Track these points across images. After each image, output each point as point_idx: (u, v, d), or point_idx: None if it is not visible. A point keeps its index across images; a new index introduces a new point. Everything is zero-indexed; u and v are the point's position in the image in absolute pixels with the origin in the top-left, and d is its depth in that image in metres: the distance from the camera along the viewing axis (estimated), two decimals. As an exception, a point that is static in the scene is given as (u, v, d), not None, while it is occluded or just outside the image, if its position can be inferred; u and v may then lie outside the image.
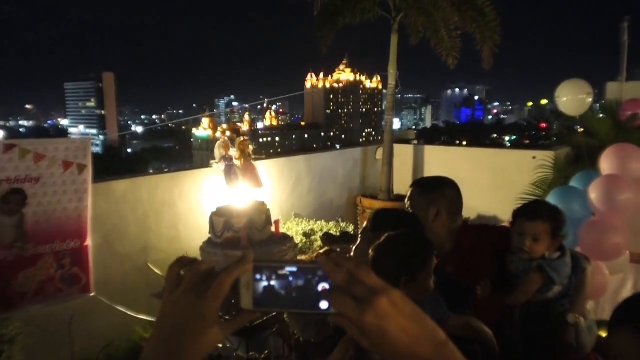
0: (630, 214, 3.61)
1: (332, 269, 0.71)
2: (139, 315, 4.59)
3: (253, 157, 2.65)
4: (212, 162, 2.65)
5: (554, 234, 2.11)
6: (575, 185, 4.20)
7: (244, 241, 2.45)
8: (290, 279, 0.74)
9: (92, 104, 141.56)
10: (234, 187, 2.60)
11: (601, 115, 7.10)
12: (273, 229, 2.58)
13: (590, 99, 5.69)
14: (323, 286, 0.73)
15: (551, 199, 4.06)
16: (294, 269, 0.74)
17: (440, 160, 7.80)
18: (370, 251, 1.63)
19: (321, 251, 4.90)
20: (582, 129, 6.74)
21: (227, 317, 0.78)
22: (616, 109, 6.74)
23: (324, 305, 0.72)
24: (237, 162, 2.61)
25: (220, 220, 2.50)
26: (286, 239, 2.62)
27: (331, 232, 4.84)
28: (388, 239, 1.62)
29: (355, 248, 1.97)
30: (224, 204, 2.64)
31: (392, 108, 7.85)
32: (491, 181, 7.05)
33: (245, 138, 2.66)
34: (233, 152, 2.61)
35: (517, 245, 2.14)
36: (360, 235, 1.98)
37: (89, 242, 4.18)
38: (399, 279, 1.52)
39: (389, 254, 1.57)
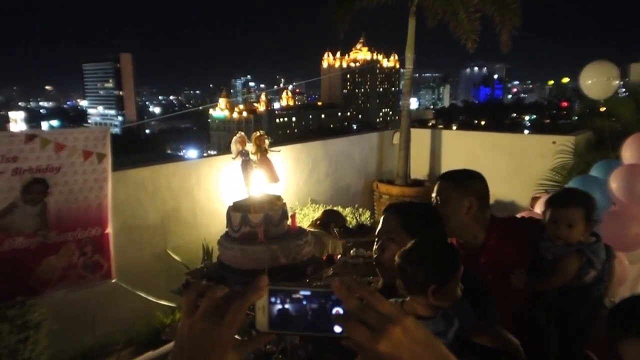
0: (652, 205, 3.54)
1: (345, 295, 0.72)
2: (159, 300, 4.69)
3: (269, 150, 2.67)
4: (230, 157, 2.69)
5: (587, 218, 2.13)
6: (596, 174, 4.12)
7: (260, 236, 2.47)
8: (304, 302, 0.75)
9: (110, 84, 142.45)
10: (251, 182, 2.62)
11: (625, 94, 6.91)
12: (289, 222, 2.62)
13: (617, 82, 5.50)
14: (337, 310, 0.74)
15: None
16: (308, 292, 0.75)
17: (458, 145, 7.73)
18: (396, 257, 1.62)
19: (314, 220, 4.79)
20: (604, 110, 6.58)
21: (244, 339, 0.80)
22: (639, 91, 6.58)
23: (338, 328, 0.73)
24: (253, 157, 2.62)
25: (237, 215, 2.52)
26: (302, 233, 2.64)
27: (347, 225, 4.85)
28: (416, 246, 1.60)
29: (383, 248, 1.90)
30: (241, 198, 2.67)
31: (409, 92, 7.77)
32: (510, 166, 6.97)
33: (262, 133, 2.66)
34: (249, 146, 2.62)
35: (552, 233, 2.15)
36: (389, 237, 1.88)
37: (109, 229, 4.26)
38: (427, 287, 1.51)
39: (417, 262, 1.55)
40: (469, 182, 2.30)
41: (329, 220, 3.75)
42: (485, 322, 1.62)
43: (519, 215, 2.58)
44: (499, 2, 6.87)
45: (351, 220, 5.98)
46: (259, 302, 0.76)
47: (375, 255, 1.95)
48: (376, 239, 1.97)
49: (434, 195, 2.30)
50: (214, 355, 0.75)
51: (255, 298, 0.75)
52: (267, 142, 2.63)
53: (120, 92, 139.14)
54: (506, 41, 7.26)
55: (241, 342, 0.78)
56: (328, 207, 6.32)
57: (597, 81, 5.35)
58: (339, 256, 3.05)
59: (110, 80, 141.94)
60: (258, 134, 2.67)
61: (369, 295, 0.71)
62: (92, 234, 4.17)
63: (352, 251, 3.25)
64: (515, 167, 6.94)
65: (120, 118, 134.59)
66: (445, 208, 2.22)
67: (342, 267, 3.03)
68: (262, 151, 2.64)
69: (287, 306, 0.76)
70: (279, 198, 2.64)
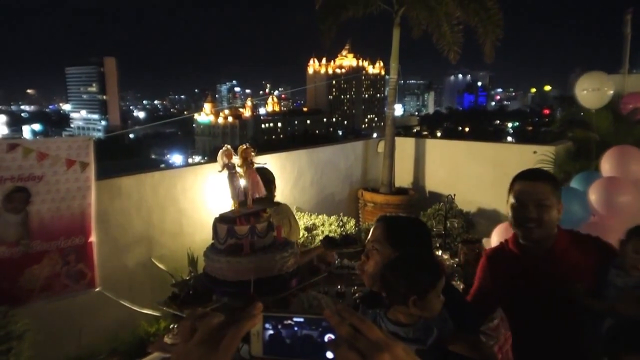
0: (629, 216, 3.63)
1: (337, 322, 0.75)
2: (143, 309, 4.67)
3: (255, 163, 2.71)
4: (217, 171, 2.71)
5: None
6: (576, 186, 4.22)
7: (246, 248, 2.50)
8: (298, 328, 0.78)
9: (93, 89, 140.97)
10: (237, 194, 2.65)
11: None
12: (275, 234, 2.65)
13: (611, 92, 5.63)
14: (329, 337, 0.77)
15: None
16: (301, 319, 0.78)
17: (442, 154, 7.82)
18: (381, 269, 1.68)
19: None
20: (584, 120, 6.71)
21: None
22: (617, 102, 6.72)
23: (330, 354, 0.76)
24: (239, 170, 2.65)
25: (223, 227, 2.55)
26: (287, 245, 2.67)
27: (332, 234, 4.89)
28: (399, 259, 1.68)
29: (368, 256, 1.95)
30: (226, 210, 2.71)
31: (394, 101, 7.86)
32: (492, 175, 7.07)
33: (248, 146, 2.70)
34: (236, 159, 2.65)
35: (632, 264, 2.12)
36: (373, 246, 1.94)
37: (93, 238, 4.25)
38: (408, 297, 1.56)
39: (399, 274, 1.61)
40: (560, 186, 2.26)
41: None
42: (464, 332, 1.67)
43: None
44: (481, 14, 6.98)
45: (336, 229, 6.02)
46: (254, 328, 0.79)
47: (360, 262, 1.99)
48: (364, 247, 2.00)
49: (535, 197, 2.16)
50: None
51: (250, 326, 0.78)
52: (253, 154, 2.67)
53: (104, 97, 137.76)
54: (489, 52, 7.38)
55: None
56: (313, 216, 6.35)
57: (592, 91, 5.49)
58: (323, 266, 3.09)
59: (94, 84, 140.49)
60: (244, 147, 2.71)
61: (359, 323, 0.75)
62: (75, 242, 4.15)
63: (336, 262, 3.29)
64: (497, 176, 7.02)
65: (103, 123, 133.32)
66: (546, 213, 2.14)
67: (327, 278, 3.07)
68: (248, 164, 2.68)
69: (281, 332, 0.79)
70: (265, 210, 2.68)
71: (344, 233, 5.32)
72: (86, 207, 4.18)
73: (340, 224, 6.27)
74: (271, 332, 0.79)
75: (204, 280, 2.67)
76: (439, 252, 3.84)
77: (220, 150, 2.72)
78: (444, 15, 7.00)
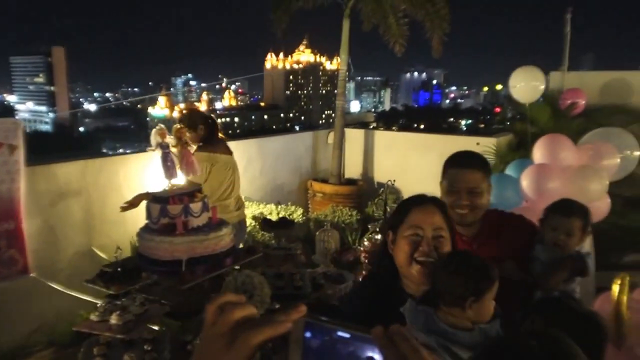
0: (557, 201, 3.81)
1: (385, 345, 0.66)
2: (81, 295, 4.54)
3: (189, 144, 2.68)
4: (148, 149, 2.66)
5: (584, 229, 2.23)
6: (511, 173, 4.38)
7: (179, 227, 2.48)
8: (341, 343, 0.70)
9: (40, 79, 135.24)
10: (170, 174, 2.62)
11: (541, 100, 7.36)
12: (210, 215, 2.64)
13: (543, 87, 5.85)
14: (371, 357, 0.68)
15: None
16: (347, 335, 0.69)
17: (391, 145, 7.94)
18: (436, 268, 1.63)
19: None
20: (529, 114, 6.97)
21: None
22: (557, 97, 7.02)
23: None
24: (173, 150, 2.63)
25: (156, 206, 2.52)
26: (223, 224, 2.67)
27: (269, 217, 4.90)
28: (456, 258, 1.62)
29: (438, 249, 1.76)
30: (160, 190, 2.68)
31: (343, 93, 7.92)
32: (438, 166, 7.19)
33: (182, 125, 2.68)
34: (170, 139, 2.63)
35: (551, 240, 2.22)
36: (441, 234, 1.78)
37: (24, 224, 4.11)
38: (465, 299, 1.51)
39: (457, 273, 1.55)
40: (490, 169, 2.34)
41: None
42: None
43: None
44: (428, 7, 7.11)
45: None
46: (294, 333, 0.69)
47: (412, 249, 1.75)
48: (391, 229, 1.85)
49: (468, 185, 2.21)
50: None
51: (272, 333, 0.68)
52: (187, 134, 2.65)
53: (52, 88, 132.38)
54: (437, 47, 7.51)
55: None
56: (262, 205, 6.34)
57: (524, 86, 5.70)
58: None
59: (41, 75, 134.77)
60: (178, 126, 2.69)
61: (411, 353, 0.65)
62: (5, 228, 4.01)
63: (273, 242, 3.29)
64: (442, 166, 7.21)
65: (51, 115, 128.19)
66: (478, 199, 2.20)
67: (263, 258, 3.07)
68: (182, 143, 2.65)
69: (322, 344, 0.70)
70: (199, 190, 2.66)
71: (282, 216, 5.34)
72: (15, 192, 4.04)
73: (288, 213, 6.29)
74: (313, 343, 0.69)
75: (137, 260, 2.64)
76: (378, 236, 3.92)
77: (154, 130, 2.69)
78: (390, 7, 7.08)
